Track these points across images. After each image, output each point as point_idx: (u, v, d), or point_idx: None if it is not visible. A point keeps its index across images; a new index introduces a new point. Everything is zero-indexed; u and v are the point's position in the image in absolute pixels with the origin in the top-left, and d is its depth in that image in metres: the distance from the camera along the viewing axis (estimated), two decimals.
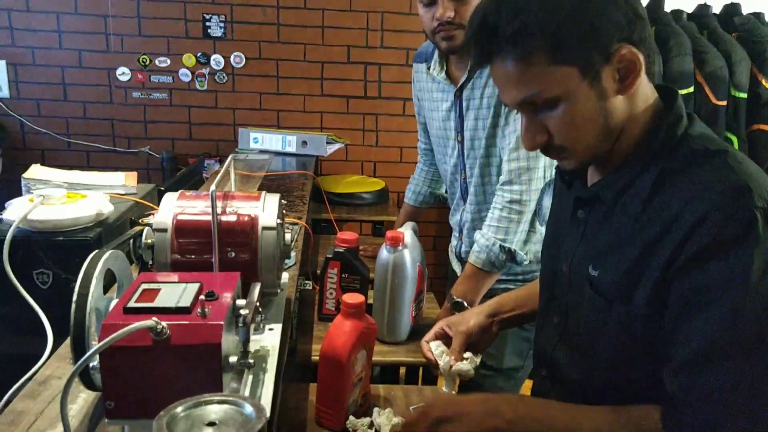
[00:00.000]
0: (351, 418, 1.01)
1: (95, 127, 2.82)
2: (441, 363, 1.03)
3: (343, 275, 1.41)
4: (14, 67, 2.70)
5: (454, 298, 1.39)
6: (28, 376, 0.78)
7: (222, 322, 0.62)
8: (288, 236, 0.91)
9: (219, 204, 0.83)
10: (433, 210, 3.12)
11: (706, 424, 0.70)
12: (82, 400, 0.72)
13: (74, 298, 0.65)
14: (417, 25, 1.46)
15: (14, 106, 2.74)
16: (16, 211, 0.95)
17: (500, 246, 1.37)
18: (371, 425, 1.01)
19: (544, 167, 1.38)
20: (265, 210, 0.84)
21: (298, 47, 2.85)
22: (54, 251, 0.97)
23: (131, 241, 0.89)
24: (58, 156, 2.82)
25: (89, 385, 0.66)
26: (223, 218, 0.81)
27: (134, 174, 1.34)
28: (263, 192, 0.88)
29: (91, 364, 0.63)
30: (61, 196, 1.00)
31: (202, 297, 0.65)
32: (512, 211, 1.38)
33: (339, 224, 2.34)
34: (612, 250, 0.79)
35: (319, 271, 1.49)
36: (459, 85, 1.47)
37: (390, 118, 2.97)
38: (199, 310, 0.63)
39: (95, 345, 0.59)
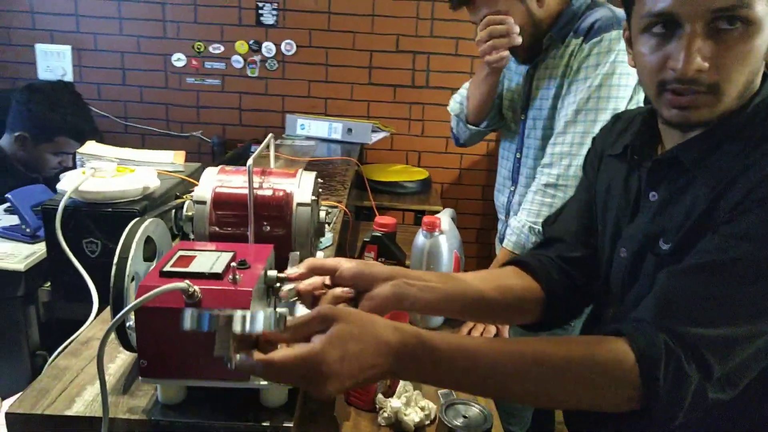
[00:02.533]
0: (379, 396, 1.02)
1: (151, 111, 2.92)
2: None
3: (379, 259, 1.42)
4: (78, 52, 2.83)
5: None
6: (74, 338, 0.82)
7: (251, 289, 0.63)
8: (322, 214, 0.92)
9: (257, 179, 0.86)
10: (477, 202, 3.11)
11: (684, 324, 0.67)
12: (121, 360, 0.75)
13: (114, 261, 0.68)
14: (468, 14, 1.45)
15: (78, 89, 2.86)
16: (69, 182, 1.00)
17: (530, 227, 1.35)
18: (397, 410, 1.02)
19: None
20: (301, 187, 0.86)
21: (347, 35, 2.87)
22: (102, 221, 1.02)
23: (173, 213, 0.92)
24: (116, 138, 2.93)
25: (126, 344, 0.69)
26: (260, 193, 0.83)
27: (182, 153, 1.39)
28: (300, 169, 0.89)
29: (128, 324, 0.66)
30: (111, 170, 1.05)
31: (234, 265, 0.67)
32: (546, 194, 1.36)
33: (381, 212, 2.34)
34: (688, 221, 0.75)
35: (357, 255, 1.50)
36: (533, 63, 1.46)
37: (436, 108, 2.95)
38: (230, 276, 0.65)
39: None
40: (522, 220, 1.39)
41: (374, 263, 0.80)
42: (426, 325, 1.38)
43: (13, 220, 1.22)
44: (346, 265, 0.76)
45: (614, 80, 1.31)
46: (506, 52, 1.38)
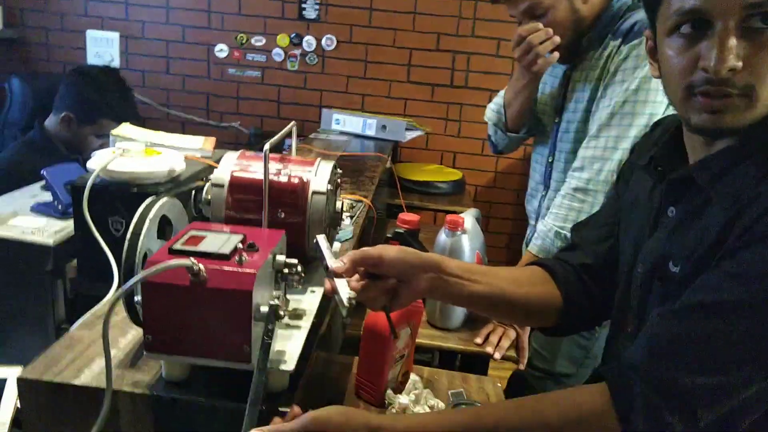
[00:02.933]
0: (389, 392, 1.02)
1: (192, 100, 2.99)
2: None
3: None
4: (126, 39, 2.91)
5: None
6: (91, 312, 0.85)
7: (255, 271, 0.64)
8: (339, 204, 0.92)
9: (276, 166, 0.86)
10: (510, 207, 3.06)
11: (665, 374, 0.66)
12: (131, 335, 0.77)
13: (127, 236, 0.69)
14: (507, 11, 1.43)
15: (124, 76, 2.95)
16: (98, 161, 1.02)
17: (556, 232, 1.32)
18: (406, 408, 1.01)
19: (620, 160, 1.31)
20: (318, 175, 0.86)
21: (388, 32, 2.87)
22: (127, 201, 1.04)
23: (193, 196, 0.94)
24: (158, 125, 2.97)
25: (135, 319, 0.70)
26: (276, 179, 0.83)
27: (213, 139, 1.41)
28: (318, 158, 0.89)
29: (136, 299, 0.67)
30: (139, 151, 1.07)
31: (241, 247, 0.68)
32: (575, 198, 1.33)
33: (412, 211, 2.34)
34: (700, 245, 0.72)
35: None
36: (571, 64, 1.44)
37: (474, 109, 2.93)
38: (237, 258, 0.65)
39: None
40: (549, 224, 1.36)
41: (415, 251, 0.82)
42: (446, 323, 1.37)
43: (49, 197, 1.26)
44: (389, 253, 0.78)
45: (653, 84, 1.27)
46: (553, 55, 1.36)
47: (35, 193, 1.33)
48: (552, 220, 1.36)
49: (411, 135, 2.49)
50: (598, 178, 1.33)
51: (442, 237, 1.32)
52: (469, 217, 1.35)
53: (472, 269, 0.87)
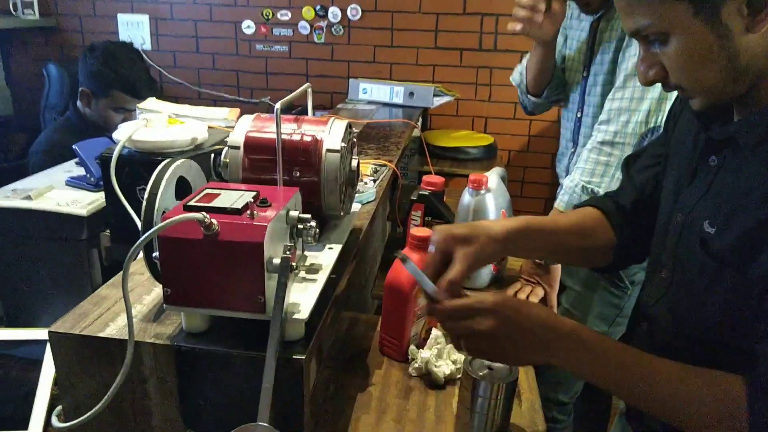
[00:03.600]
0: (412, 347, 1.03)
1: (222, 78, 3.03)
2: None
3: (426, 218, 1.41)
4: (155, 21, 2.96)
5: None
6: (120, 273, 0.88)
7: (266, 224, 0.65)
8: (354, 163, 0.92)
9: (288, 126, 0.87)
10: (546, 171, 3.00)
11: None
12: (155, 293, 0.80)
13: (145, 196, 0.71)
14: None
15: (155, 57, 3.00)
16: (124, 132, 1.06)
17: (583, 187, 1.30)
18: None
19: (649, 111, 1.27)
20: (331, 133, 0.86)
21: None
22: (153, 169, 1.06)
23: (212, 160, 0.96)
24: (190, 104, 3.05)
25: (156, 275, 0.73)
26: (289, 138, 0.84)
27: (237, 110, 1.43)
28: (332, 117, 0.90)
29: (154, 255, 0.70)
30: (162, 121, 1.10)
31: (253, 202, 0.69)
32: (602, 152, 1.30)
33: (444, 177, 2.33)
34: (738, 206, 0.70)
35: (405, 215, 1.50)
36: (597, 16, 1.40)
37: (505, 72, 2.84)
38: (249, 212, 0.67)
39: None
40: (575, 179, 1.34)
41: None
42: (472, 282, 1.37)
43: (82, 171, 1.32)
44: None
45: None
46: (539, 18, 1.34)
47: (70, 168, 1.38)
48: (578, 174, 1.33)
49: (439, 101, 2.46)
50: (625, 130, 1.29)
51: (466, 197, 1.32)
52: (493, 176, 1.33)
53: (532, 233, 0.91)
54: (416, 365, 1.00)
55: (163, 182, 0.73)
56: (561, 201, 1.35)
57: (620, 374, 0.73)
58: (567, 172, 1.57)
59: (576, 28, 1.50)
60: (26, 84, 3.10)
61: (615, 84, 1.32)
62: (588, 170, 1.31)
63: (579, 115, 1.50)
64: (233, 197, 0.71)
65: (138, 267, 0.88)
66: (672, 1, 0.66)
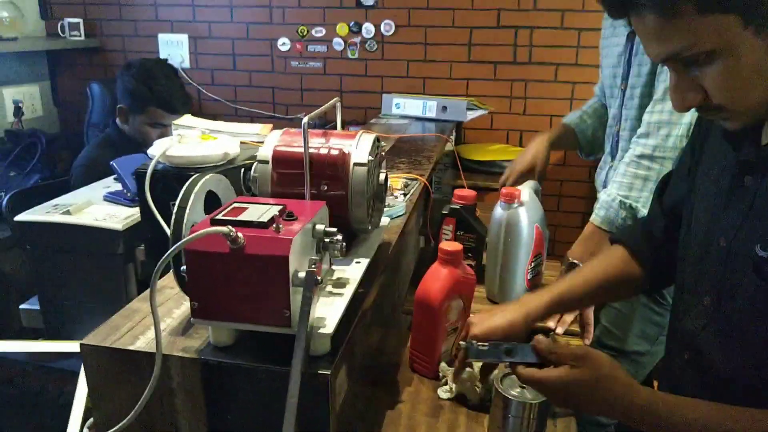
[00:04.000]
0: (443, 365, 1.01)
1: (259, 95, 3.08)
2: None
3: (458, 233, 1.39)
4: (194, 40, 3.04)
5: (570, 259, 1.30)
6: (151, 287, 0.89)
7: (291, 238, 0.65)
8: (382, 177, 0.92)
9: (316, 140, 0.87)
10: (583, 184, 2.94)
11: None
12: (185, 307, 0.80)
13: (174, 210, 0.72)
14: None
15: (194, 75, 3.09)
16: (158, 148, 1.08)
17: (621, 202, 1.26)
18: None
19: (690, 124, 1.23)
20: (358, 147, 0.86)
21: (446, 13, 2.83)
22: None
23: (242, 174, 0.97)
24: (228, 121, 3.13)
25: (185, 289, 0.73)
26: (317, 152, 0.85)
27: (269, 126, 1.44)
28: (360, 131, 0.90)
29: (182, 268, 0.70)
30: (195, 137, 1.12)
31: (279, 216, 0.69)
32: (640, 166, 1.26)
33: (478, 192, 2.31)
34: None
35: (436, 230, 1.49)
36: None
37: (540, 85, 2.83)
38: (275, 226, 0.67)
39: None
40: (612, 193, 1.30)
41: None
42: (505, 298, 1.34)
43: (120, 187, 1.35)
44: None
45: None
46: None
47: (108, 184, 1.42)
48: (616, 189, 1.30)
49: (473, 115, 2.44)
50: (665, 144, 1.25)
51: (498, 211, 1.29)
52: (526, 189, 1.31)
53: (564, 304, 1.00)
54: (447, 386, 0.98)
55: (192, 196, 0.74)
56: (597, 216, 1.31)
57: None
58: (605, 187, 1.53)
59: (611, 39, 1.47)
60: (72, 103, 3.22)
61: (654, 96, 1.28)
62: (626, 184, 1.28)
63: (617, 129, 1.47)
64: (260, 211, 0.71)
65: (169, 281, 0.89)
66: (718, 15, 0.61)
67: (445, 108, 2.39)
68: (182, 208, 0.73)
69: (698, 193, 0.86)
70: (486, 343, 0.81)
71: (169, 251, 0.63)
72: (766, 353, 0.71)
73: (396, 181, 1.39)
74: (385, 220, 1.03)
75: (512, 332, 0.91)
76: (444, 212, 1.39)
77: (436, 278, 0.98)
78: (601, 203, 1.31)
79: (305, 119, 0.80)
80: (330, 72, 3.00)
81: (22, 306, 1.36)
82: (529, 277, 1.34)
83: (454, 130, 2.46)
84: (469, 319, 0.95)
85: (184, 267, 0.70)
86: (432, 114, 2.42)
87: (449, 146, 2.30)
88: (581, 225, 2.94)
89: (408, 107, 2.48)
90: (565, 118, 1.81)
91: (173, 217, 0.72)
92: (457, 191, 1.40)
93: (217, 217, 0.69)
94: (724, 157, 0.80)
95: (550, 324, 1.26)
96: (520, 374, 0.77)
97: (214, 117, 3.14)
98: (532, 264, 1.33)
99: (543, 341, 0.77)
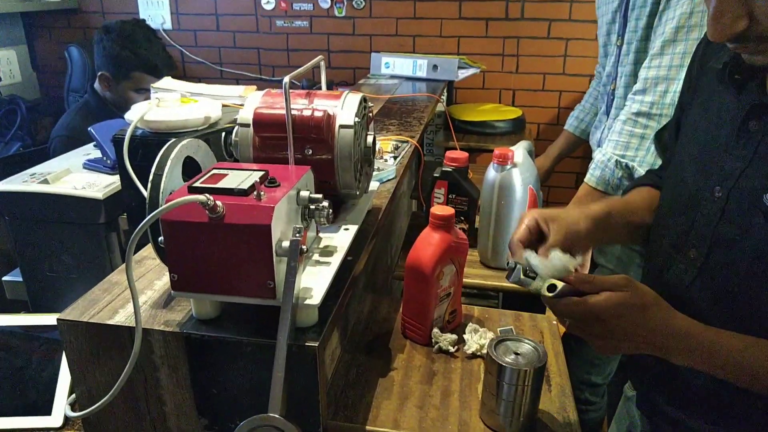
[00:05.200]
0: (435, 331, 0.99)
1: (244, 56, 2.99)
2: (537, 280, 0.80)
3: (450, 196, 1.36)
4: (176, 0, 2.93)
5: None
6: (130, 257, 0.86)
7: (274, 205, 0.61)
8: (370, 139, 0.88)
9: (300, 101, 0.83)
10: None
11: None
12: (166, 279, 0.77)
13: (150, 177, 0.68)
14: None
15: (176, 37, 2.99)
16: (136, 113, 1.03)
17: (617, 161, 1.23)
18: (455, 342, 0.99)
19: None
20: (344, 108, 0.82)
21: None
22: None
23: (223, 139, 0.93)
24: (213, 84, 3.04)
25: (164, 260, 0.70)
26: (301, 114, 0.80)
27: (253, 87, 1.39)
28: (345, 91, 0.85)
29: (160, 239, 0.67)
30: (174, 100, 1.07)
31: (261, 182, 0.66)
32: (637, 124, 1.22)
33: (470, 154, 2.27)
34: None
35: (428, 192, 1.45)
36: None
37: (532, 42, 2.76)
38: (255, 193, 0.63)
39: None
40: (608, 153, 1.27)
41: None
42: (498, 262, 1.32)
43: (99, 154, 1.30)
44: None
45: None
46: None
47: (88, 151, 1.37)
48: (611, 148, 1.26)
49: (464, 74, 2.38)
50: (663, 101, 1.21)
51: (491, 172, 1.26)
52: (519, 150, 1.27)
53: (627, 206, 0.92)
54: (439, 345, 0.97)
55: (169, 162, 0.70)
56: (592, 176, 1.28)
57: (737, 371, 0.70)
58: (599, 145, 1.50)
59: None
60: (52, 67, 3.12)
61: (650, 51, 1.24)
62: (622, 143, 1.24)
63: (612, 87, 1.43)
64: (240, 177, 0.68)
65: (150, 251, 0.86)
66: None
67: (436, 67, 2.33)
68: (158, 176, 0.69)
69: (686, 143, 0.83)
70: (533, 274, 0.74)
71: (144, 221, 0.60)
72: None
73: (386, 143, 1.35)
74: (374, 185, 1.00)
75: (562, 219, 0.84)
76: (435, 175, 1.36)
77: (428, 244, 0.95)
78: (596, 163, 1.28)
79: (287, 79, 0.75)
80: (316, 31, 2.91)
81: (5, 278, 1.32)
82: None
83: (445, 90, 2.40)
84: (539, 216, 0.84)
85: (161, 238, 0.67)
86: (422, 73, 2.36)
87: (440, 107, 2.25)
88: (575, 185, 2.94)
89: (398, 67, 2.41)
90: (566, 123, 1.87)
91: (149, 185, 0.68)
92: (449, 153, 1.36)
93: (194, 185, 0.65)
94: (720, 105, 0.77)
95: None
96: (562, 307, 0.70)
97: (199, 80, 3.05)
98: None
99: (581, 274, 0.72)
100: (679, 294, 0.79)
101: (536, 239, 0.81)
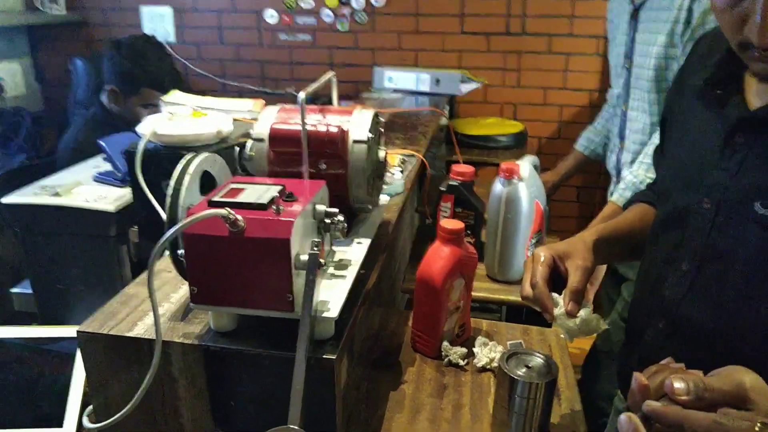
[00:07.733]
0: (445, 344, 1.00)
1: (247, 69, 3.01)
2: (557, 313, 0.81)
3: (456, 209, 1.37)
4: (180, 13, 2.96)
5: None
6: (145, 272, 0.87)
7: (293, 220, 0.62)
8: (381, 154, 0.89)
9: (313, 117, 0.84)
10: None
11: None
12: (183, 290, 0.78)
13: (168, 192, 0.70)
14: None
15: (179, 50, 3.00)
16: (148, 126, 1.04)
17: (649, 185, 1.24)
18: (465, 356, 0.99)
19: None
20: (357, 124, 0.83)
21: None
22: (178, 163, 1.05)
23: (237, 153, 0.94)
24: (216, 96, 3.06)
25: (183, 273, 0.71)
26: (314, 129, 0.82)
27: (261, 101, 1.41)
28: (358, 107, 0.87)
29: (179, 252, 0.68)
30: (186, 114, 1.08)
31: (279, 197, 0.67)
32: None
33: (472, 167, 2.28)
34: None
35: (434, 206, 1.47)
36: (639, 3, 1.33)
37: (534, 56, 2.79)
38: (274, 207, 0.64)
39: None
40: (640, 175, 1.27)
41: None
42: (505, 276, 1.33)
43: (110, 167, 1.31)
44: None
45: None
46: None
47: (98, 164, 1.38)
48: (644, 170, 1.28)
49: (466, 88, 2.41)
50: None
51: (498, 186, 1.27)
52: (525, 164, 1.29)
53: (612, 239, 0.91)
54: (449, 359, 0.97)
55: (187, 177, 0.71)
56: (621, 197, 1.29)
57: None
58: (616, 169, 1.52)
59: (616, 13, 1.44)
60: (56, 80, 3.13)
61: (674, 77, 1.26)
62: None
63: (624, 109, 1.44)
64: (258, 192, 0.69)
65: (165, 264, 0.87)
66: None
67: (438, 81, 2.35)
68: (177, 190, 0.70)
69: (671, 159, 0.85)
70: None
71: (165, 235, 0.60)
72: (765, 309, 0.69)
73: (392, 157, 1.36)
74: (384, 199, 1.01)
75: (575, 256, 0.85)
76: (442, 189, 1.37)
77: (438, 257, 0.96)
78: (627, 184, 1.29)
79: (302, 95, 0.77)
80: (319, 45, 2.93)
81: (14, 289, 1.33)
82: (529, 255, 1.32)
83: (447, 104, 2.42)
84: (554, 253, 0.85)
85: (181, 251, 0.68)
86: (425, 87, 2.38)
87: (443, 121, 2.27)
88: (576, 198, 2.95)
89: (400, 81, 2.43)
90: (577, 143, 1.90)
91: (168, 199, 0.70)
92: (455, 167, 1.37)
93: (214, 199, 0.66)
94: (702, 120, 0.79)
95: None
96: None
97: (202, 93, 3.07)
98: (533, 241, 1.32)
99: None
100: (673, 308, 0.80)
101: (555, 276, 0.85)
